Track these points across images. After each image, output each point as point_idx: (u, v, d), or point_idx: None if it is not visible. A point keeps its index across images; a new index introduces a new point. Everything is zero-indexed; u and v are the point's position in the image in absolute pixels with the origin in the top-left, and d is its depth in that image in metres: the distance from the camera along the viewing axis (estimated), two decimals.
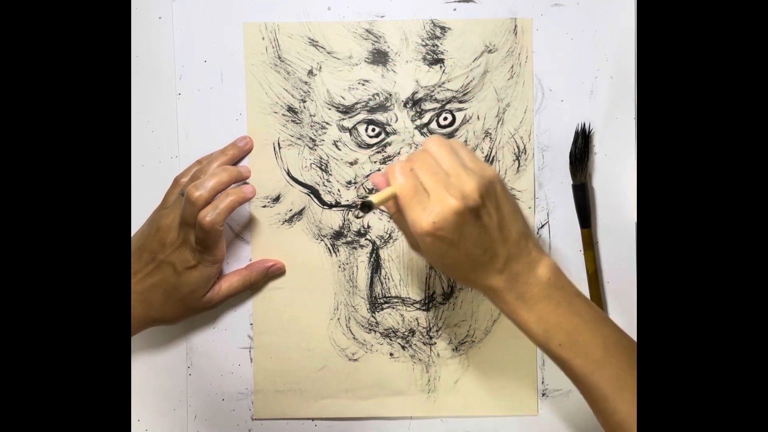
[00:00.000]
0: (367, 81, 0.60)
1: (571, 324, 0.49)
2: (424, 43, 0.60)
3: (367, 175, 0.61)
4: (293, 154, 0.61)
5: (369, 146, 0.61)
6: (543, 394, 0.62)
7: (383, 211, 0.59)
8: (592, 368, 0.48)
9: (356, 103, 0.60)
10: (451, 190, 0.47)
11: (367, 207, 0.47)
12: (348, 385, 0.62)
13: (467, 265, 0.49)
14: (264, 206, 0.61)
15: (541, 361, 0.61)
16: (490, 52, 0.60)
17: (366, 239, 0.61)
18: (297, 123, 0.61)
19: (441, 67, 0.60)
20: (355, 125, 0.61)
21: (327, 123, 0.61)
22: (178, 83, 0.61)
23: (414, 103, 0.60)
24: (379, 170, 0.61)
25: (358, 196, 0.47)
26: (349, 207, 0.61)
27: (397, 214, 0.49)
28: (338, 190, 0.61)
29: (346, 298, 0.62)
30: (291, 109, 0.61)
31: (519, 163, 0.61)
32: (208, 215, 0.55)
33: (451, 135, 0.61)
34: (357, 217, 0.48)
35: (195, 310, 0.59)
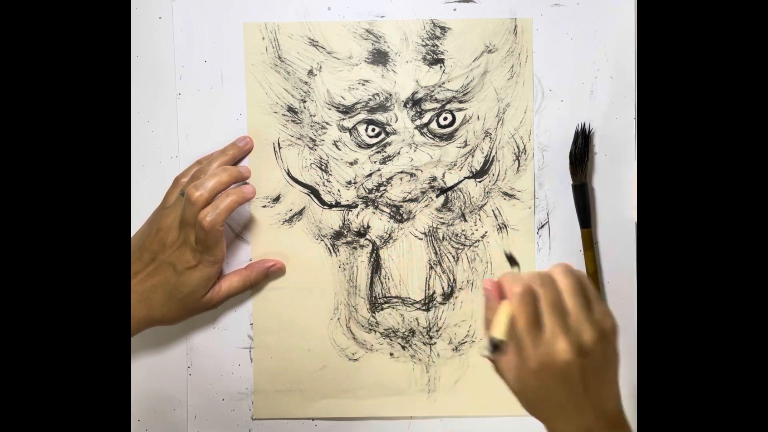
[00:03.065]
0: (367, 81, 0.60)
1: None
2: (424, 43, 0.60)
3: (368, 175, 0.61)
4: (293, 154, 0.61)
5: (369, 146, 0.61)
6: None
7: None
8: None
9: (356, 103, 0.60)
10: (568, 336, 0.44)
11: (497, 348, 0.45)
12: (348, 385, 0.62)
13: (552, 405, 0.46)
14: (264, 206, 0.61)
15: None
16: (490, 52, 0.60)
17: (366, 239, 0.61)
18: (297, 123, 0.61)
19: (441, 67, 0.60)
20: (355, 125, 0.61)
21: (327, 123, 0.61)
22: (178, 83, 0.61)
23: (414, 103, 0.60)
24: (379, 171, 0.61)
25: (490, 341, 0.45)
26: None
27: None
28: (338, 190, 0.61)
29: (346, 298, 0.61)
30: (291, 109, 0.61)
31: (519, 163, 0.61)
32: (208, 215, 0.55)
33: (451, 135, 0.61)
34: (491, 359, 0.46)
35: (195, 310, 0.59)
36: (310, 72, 0.61)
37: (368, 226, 0.61)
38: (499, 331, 0.45)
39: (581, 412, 0.46)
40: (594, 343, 0.45)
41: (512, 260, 0.48)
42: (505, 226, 0.61)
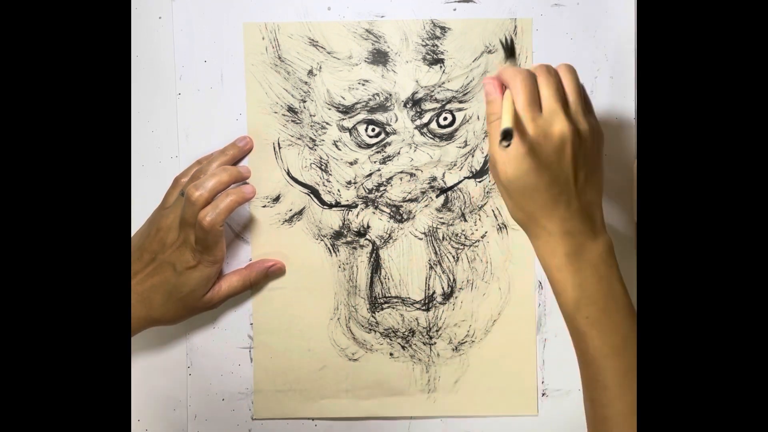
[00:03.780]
0: (367, 81, 0.60)
1: (605, 303, 0.48)
2: (424, 43, 0.60)
3: (368, 175, 0.61)
4: (293, 154, 0.61)
5: (369, 146, 0.61)
6: (543, 394, 0.62)
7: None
8: (606, 353, 0.47)
9: (356, 103, 0.60)
10: (567, 116, 0.45)
11: (509, 135, 0.45)
12: (348, 385, 0.62)
13: (541, 196, 0.47)
14: (264, 206, 0.61)
15: (541, 361, 0.61)
16: (490, 52, 0.60)
17: (366, 239, 0.61)
18: (297, 123, 0.61)
19: (441, 67, 0.60)
20: (355, 125, 0.61)
21: (327, 123, 0.61)
22: (178, 83, 0.61)
23: (414, 103, 0.60)
24: (379, 171, 0.61)
25: (501, 132, 0.44)
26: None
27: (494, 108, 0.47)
28: (338, 190, 0.61)
29: (346, 298, 0.62)
30: (291, 109, 0.61)
31: None
32: (208, 215, 0.55)
33: (451, 135, 0.61)
34: (506, 147, 0.45)
35: (195, 310, 0.59)
36: (310, 72, 0.61)
37: (368, 226, 0.61)
38: (507, 120, 0.45)
39: (567, 205, 0.46)
40: (589, 133, 0.46)
41: (511, 49, 0.47)
42: (505, 226, 0.61)
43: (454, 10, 0.60)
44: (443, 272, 0.61)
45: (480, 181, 0.61)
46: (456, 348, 0.62)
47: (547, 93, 0.47)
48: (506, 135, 0.45)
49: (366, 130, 0.61)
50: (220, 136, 0.61)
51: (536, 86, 0.47)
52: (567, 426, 0.61)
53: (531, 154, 0.46)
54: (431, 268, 0.61)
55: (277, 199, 0.61)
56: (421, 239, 0.61)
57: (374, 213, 0.61)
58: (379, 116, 0.60)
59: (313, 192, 0.61)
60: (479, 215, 0.61)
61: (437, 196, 0.61)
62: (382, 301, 0.61)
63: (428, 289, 0.61)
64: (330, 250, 0.61)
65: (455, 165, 0.61)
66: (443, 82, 0.60)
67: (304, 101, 0.61)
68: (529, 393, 0.61)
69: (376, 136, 0.61)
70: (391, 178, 0.61)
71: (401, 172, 0.61)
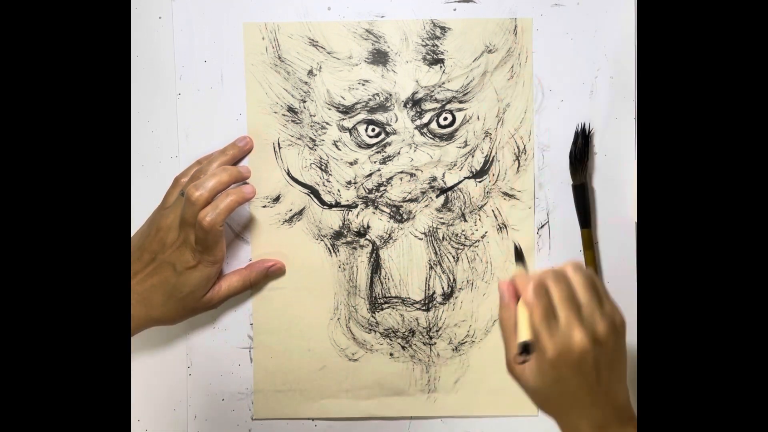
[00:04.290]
0: (367, 81, 0.60)
1: None
2: (424, 43, 0.60)
3: (368, 175, 0.61)
4: (293, 154, 0.61)
5: (369, 146, 0.61)
6: None
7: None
8: None
9: (356, 103, 0.60)
10: (582, 325, 0.46)
11: (527, 349, 0.47)
12: (348, 385, 0.62)
13: (568, 400, 0.47)
14: (264, 206, 0.61)
15: None
16: (490, 52, 0.60)
17: (366, 239, 0.61)
18: (297, 123, 0.61)
19: (441, 67, 0.60)
20: (355, 125, 0.61)
21: (327, 123, 0.61)
22: (178, 83, 0.61)
23: (414, 103, 0.60)
24: (379, 171, 0.61)
25: (519, 346, 0.47)
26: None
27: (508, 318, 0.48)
28: (338, 190, 0.61)
29: (346, 298, 0.62)
30: (291, 109, 0.61)
31: (519, 163, 0.61)
32: (208, 215, 0.55)
33: (451, 135, 0.61)
34: (524, 361, 0.47)
35: (195, 310, 0.59)
36: (310, 72, 0.61)
37: (368, 226, 0.61)
38: (524, 333, 0.47)
39: (594, 404, 0.47)
40: (606, 334, 0.47)
41: (519, 255, 0.49)
42: (505, 226, 0.61)
43: (454, 10, 0.60)
44: (443, 272, 0.61)
45: (480, 181, 0.61)
46: (456, 348, 0.62)
47: (560, 301, 0.47)
48: (526, 349, 0.47)
49: (366, 130, 0.61)
50: (220, 136, 0.61)
51: (548, 296, 0.47)
52: None
53: (553, 368, 0.46)
54: (431, 268, 0.61)
55: (277, 199, 0.61)
56: (421, 239, 0.61)
57: (374, 213, 0.61)
58: (379, 116, 0.60)
59: (313, 192, 0.61)
60: (479, 215, 0.61)
61: (437, 196, 0.61)
62: (382, 301, 0.61)
63: (428, 289, 0.61)
64: (330, 250, 0.61)
65: (455, 165, 0.61)
66: (443, 82, 0.60)
67: (304, 101, 0.61)
68: None
69: (376, 136, 0.61)
70: (391, 178, 0.61)
71: (401, 172, 0.61)
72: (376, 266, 0.61)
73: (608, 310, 0.48)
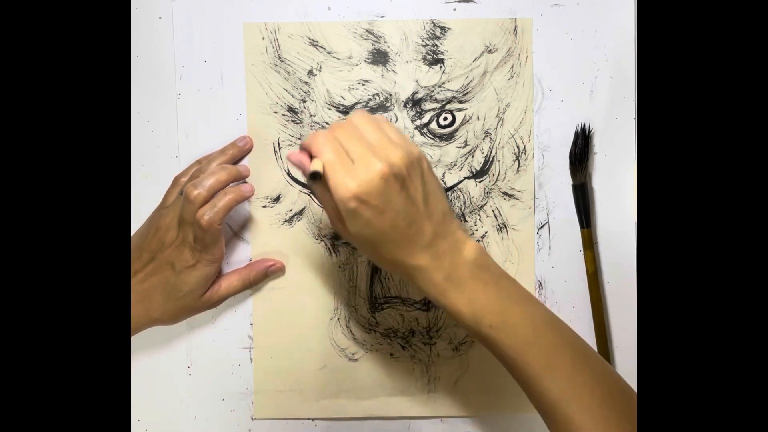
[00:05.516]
0: (367, 81, 0.60)
1: (499, 305, 0.48)
2: (424, 43, 0.60)
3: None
4: None
5: None
6: None
7: (309, 191, 0.57)
8: (522, 349, 0.47)
9: (356, 103, 0.61)
10: (377, 156, 0.46)
11: (318, 176, 0.46)
12: (348, 385, 0.62)
13: (393, 239, 0.47)
14: (264, 206, 0.61)
15: None
16: (490, 52, 0.60)
17: None
18: (297, 123, 0.61)
19: (441, 67, 0.60)
20: None
21: (327, 123, 0.61)
22: (178, 83, 0.61)
23: (414, 103, 0.60)
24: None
25: (308, 176, 0.47)
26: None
27: (318, 185, 0.48)
28: None
29: (346, 298, 0.62)
30: (291, 109, 0.61)
31: (519, 163, 0.61)
32: (206, 213, 0.55)
33: (451, 135, 0.61)
34: (312, 191, 0.47)
35: (194, 309, 0.59)
36: (310, 72, 0.61)
37: None
38: (317, 164, 0.47)
39: (421, 234, 0.47)
40: (404, 159, 0.47)
41: (315, 175, 0.48)
42: (505, 226, 0.61)
43: (454, 10, 0.60)
44: None
45: (480, 181, 0.61)
46: (456, 348, 0.62)
47: (350, 141, 0.47)
48: (314, 176, 0.46)
49: None
50: (220, 136, 0.61)
51: (338, 141, 0.47)
52: None
53: (363, 203, 0.46)
54: None
55: (277, 199, 0.61)
56: None
57: None
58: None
59: (313, 192, 0.61)
60: (479, 215, 0.61)
61: None
62: (382, 301, 0.61)
63: None
64: (330, 250, 0.61)
65: (455, 165, 0.61)
66: (443, 82, 0.60)
67: (304, 101, 0.61)
68: None
69: None
70: None
71: None
72: (375, 266, 0.61)
73: (401, 143, 0.48)
